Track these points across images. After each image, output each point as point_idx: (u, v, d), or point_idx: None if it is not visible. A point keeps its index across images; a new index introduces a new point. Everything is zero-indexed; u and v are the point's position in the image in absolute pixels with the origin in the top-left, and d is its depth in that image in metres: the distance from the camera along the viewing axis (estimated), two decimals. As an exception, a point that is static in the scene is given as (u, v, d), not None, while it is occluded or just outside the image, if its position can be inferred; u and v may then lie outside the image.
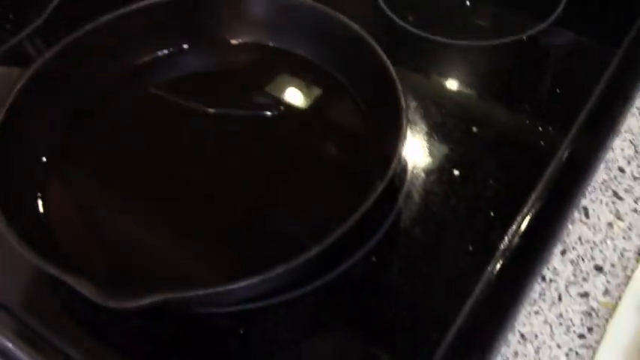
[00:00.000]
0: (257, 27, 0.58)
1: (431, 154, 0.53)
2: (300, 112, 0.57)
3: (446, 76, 0.60)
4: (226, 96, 0.58)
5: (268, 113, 0.56)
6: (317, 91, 0.57)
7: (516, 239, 0.48)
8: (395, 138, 0.46)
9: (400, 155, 0.45)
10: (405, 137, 0.46)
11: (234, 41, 0.59)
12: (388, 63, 0.51)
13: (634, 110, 0.55)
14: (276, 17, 0.57)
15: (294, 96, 0.58)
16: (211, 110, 0.57)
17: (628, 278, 0.46)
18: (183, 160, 0.54)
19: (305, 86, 0.58)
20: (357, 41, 0.54)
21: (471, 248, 0.47)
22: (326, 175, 0.53)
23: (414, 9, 0.64)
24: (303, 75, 0.58)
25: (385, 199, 0.47)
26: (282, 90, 0.57)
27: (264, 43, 0.59)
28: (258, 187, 0.52)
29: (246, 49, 0.59)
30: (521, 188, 0.50)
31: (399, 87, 0.49)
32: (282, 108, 0.56)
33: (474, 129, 0.54)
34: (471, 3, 0.65)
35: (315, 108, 0.57)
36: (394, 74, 0.50)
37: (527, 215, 0.49)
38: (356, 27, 0.54)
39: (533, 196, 0.49)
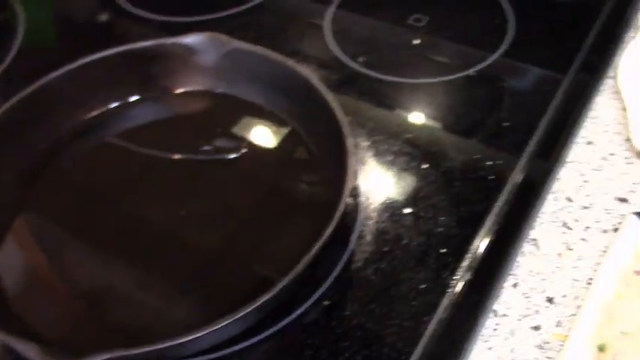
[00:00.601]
0: (207, 75, 0.59)
1: (383, 193, 0.54)
2: (252, 157, 0.57)
3: (398, 115, 0.60)
4: (181, 142, 0.58)
5: (222, 157, 0.57)
6: (269, 136, 0.58)
7: (468, 275, 0.48)
8: (343, 182, 0.47)
9: (346, 200, 0.46)
10: (351, 182, 0.47)
11: (185, 89, 0.60)
12: (336, 106, 0.52)
13: (579, 140, 0.56)
14: (225, 64, 0.58)
15: (246, 141, 0.58)
16: (170, 156, 0.58)
17: (579, 308, 0.46)
18: (141, 208, 0.54)
19: (257, 131, 0.58)
20: (305, 85, 0.54)
21: (423, 287, 0.48)
22: (280, 220, 0.53)
23: (365, 50, 0.66)
24: (256, 120, 0.59)
25: (335, 242, 0.48)
26: (234, 136, 0.58)
27: (215, 91, 0.60)
28: (213, 234, 0.52)
29: (198, 97, 0.60)
30: (472, 223, 0.51)
31: (347, 131, 0.50)
32: (233, 154, 0.57)
33: (425, 165, 0.55)
34: (419, 42, 0.66)
35: (267, 153, 0.57)
36: (342, 118, 0.51)
37: (477, 250, 0.49)
38: (304, 71, 0.55)
39: (483, 231, 0.50)
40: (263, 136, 0.58)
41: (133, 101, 0.59)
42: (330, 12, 0.71)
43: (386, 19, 0.70)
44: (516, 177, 0.53)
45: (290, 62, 0.56)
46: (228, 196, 0.55)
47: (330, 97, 0.52)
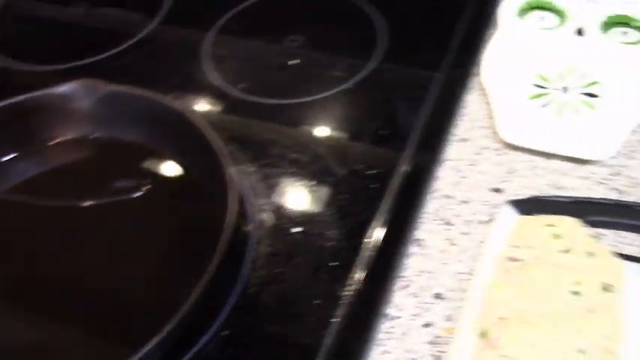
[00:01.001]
0: (85, 121, 0.59)
1: (272, 215, 0.55)
2: (141, 198, 0.57)
3: (281, 136, 0.62)
4: (65, 191, 0.58)
5: (110, 200, 0.57)
6: (154, 175, 0.58)
7: (359, 285, 0.49)
8: (226, 212, 0.48)
9: (230, 230, 0.47)
10: (233, 213, 0.47)
11: (64, 139, 0.60)
12: (213, 137, 0.53)
13: (453, 138, 0.59)
14: (101, 109, 0.58)
15: (134, 182, 0.58)
16: (57, 205, 0.58)
17: (465, 300, 0.48)
18: (36, 261, 0.54)
19: (141, 171, 0.59)
20: (182, 120, 0.55)
21: (317, 302, 0.49)
22: (175, 257, 0.53)
23: (244, 76, 0.67)
24: (139, 160, 0.59)
25: (228, 271, 0.49)
26: (119, 179, 0.58)
27: (94, 136, 0.60)
28: (110, 278, 0.52)
29: (77, 144, 0.60)
30: (359, 233, 0.52)
31: (226, 161, 0.51)
32: (122, 196, 0.57)
33: (311, 183, 0.57)
34: (297, 62, 0.68)
35: (154, 192, 0.57)
36: (221, 148, 0.52)
37: (366, 258, 0.51)
38: (179, 106, 0.56)
39: (370, 238, 0.52)
40: (148, 175, 0.58)
41: (9, 159, 0.59)
42: (207, 41, 0.72)
43: (263, 42, 0.71)
44: (397, 182, 0.55)
45: (165, 99, 0.57)
46: (120, 240, 0.55)
47: (208, 130, 0.53)
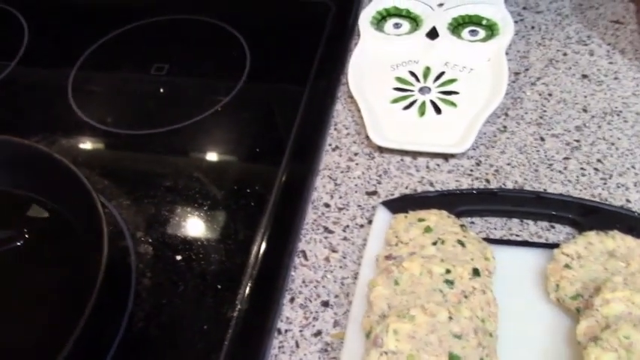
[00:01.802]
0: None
1: (153, 246, 0.54)
2: (15, 249, 0.55)
3: (155, 166, 0.61)
4: None
5: None
6: (26, 220, 0.56)
7: (246, 303, 0.50)
8: (100, 247, 0.47)
9: (105, 267, 0.45)
10: (107, 249, 0.46)
11: None
12: (82, 176, 0.51)
13: (327, 147, 0.61)
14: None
15: (4, 233, 0.56)
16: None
17: (351, 304, 0.49)
18: None
19: (11, 218, 0.56)
20: (48, 162, 0.53)
21: (206, 327, 0.49)
22: (56, 301, 0.51)
23: (112, 109, 0.66)
24: (6, 207, 0.56)
25: (112, 309, 0.47)
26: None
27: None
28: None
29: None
30: (241, 253, 0.52)
31: (98, 198, 0.49)
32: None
33: (188, 208, 0.56)
34: (164, 90, 0.68)
35: (29, 239, 0.55)
36: (90, 186, 0.50)
37: (251, 277, 0.51)
38: (42, 147, 0.54)
39: (253, 257, 0.52)
40: (20, 223, 0.56)
41: None
42: (71, 78, 0.70)
43: (128, 73, 0.71)
44: (275, 197, 0.56)
45: (29, 142, 0.55)
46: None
47: (75, 169, 0.52)
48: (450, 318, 0.42)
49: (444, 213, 0.51)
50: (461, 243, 0.48)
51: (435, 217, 0.50)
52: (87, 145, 0.63)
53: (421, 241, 0.49)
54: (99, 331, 0.47)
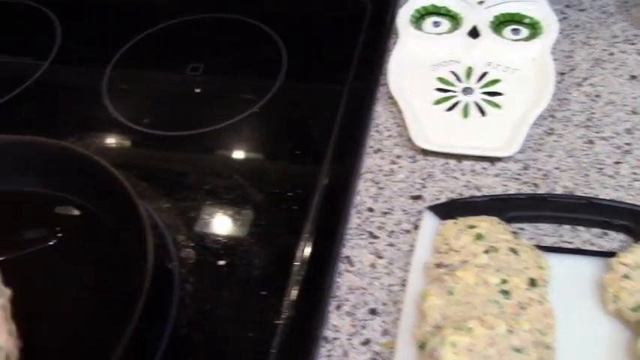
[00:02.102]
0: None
1: (194, 251, 0.53)
2: (55, 250, 0.54)
3: (193, 168, 0.60)
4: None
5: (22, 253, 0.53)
6: (63, 223, 0.55)
7: (292, 310, 0.48)
8: (145, 255, 0.46)
9: (152, 273, 0.44)
10: (153, 254, 0.45)
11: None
12: (122, 178, 0.50)
13: (368, 150, 0.59)
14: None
15: (42, 232, 0.55)
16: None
17: (400, 312, 0.48)
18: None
19: (49, 220, 0.55)
20: (86, 163, 0.53)
21: (252, 335, 0.48)
22: (96, 307, 0.51)
23: (148, 110, 0.65)
24: (44, 209, 0.56)
25: (154, 316, 0.46)
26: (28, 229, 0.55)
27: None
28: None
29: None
30: (285, 258, 0.51)
31: (140, 202, 0.49)
32: (33, 248, 0.53)
33: (229, 212, 0.55)
34: (200, 90, 0.67)
35: (67, 241, 0.54)
36: (131, 189, 0.50)
37: (296, 283, 0.50)
38: (80, 150, 0.53)
39: (298, 262, 0.51)
40: (58, 224, 0.55)
41: None
42: (106, 78, 0.69)
43: (163, 73, 0.69)
44: (318, 201, 0.55)
45: (65, 143, 0.54)
46: (39, 292, 0.51)
47: (115, 170, 0.51)
48: (510, 331, 0.40)
49: (495, 219, 0.49)
50: (514, 251, 0.47)
51: (485, 223, 0.49)
52: (123, 146, 0.62)
53: (473, 248, 0.47)
54: (144, 341, 0.46)
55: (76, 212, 0.56)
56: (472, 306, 0.43)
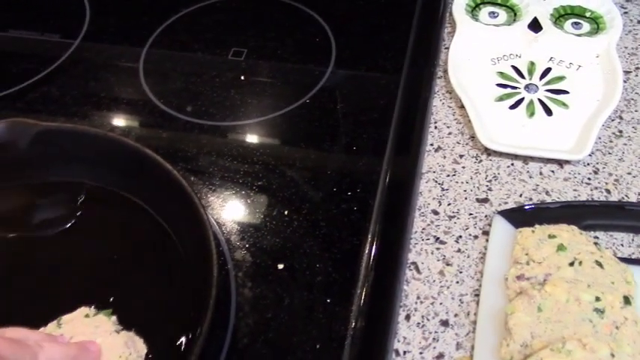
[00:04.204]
0: (19, 167, 0.51)
1: (250, 253, 0.50)
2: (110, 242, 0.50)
3: (242, 162, 0.56)
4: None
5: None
6: (114, 216, 0.51)
7: (360, 321, 0.46)
8: (207, 260, 0.42)
9: (216, 285, 0.41)
10: (216, 260, 0.42)
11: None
12: (178, 175, 0.47)
13: (428, 148, 0.56)
14: (36, 151, 0.50)
15: (100, 224, 0.51)
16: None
17: (473, 324, 0.46)
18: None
19: (107, 214, 0.52)
20: (136, 156, 0.49)
21: (318, 346, 0.45)
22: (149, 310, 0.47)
23: (190, 98, 0.61)
24: (93, 202, 0.52)
25: (213, 327, 0.43)
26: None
27: (34, 182, 0.52)
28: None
29: (17, 193, 0.52)
30: (348, 263, 0.48)
31: (200, 203, 0.45)
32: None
33: (285, 212, 0.52)
34: (244, 77, 0.63)
35: (115, 234, 0.51)
36: (189, 189, 0.46)
37: (363, 291, 0.47)
38: (131, 143, 0.49)
39: (363, 268, 0.48)
40: (106, 218, 0.51)
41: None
42: (142, 59, 0.65)
43: (204, 56, 0.65)
44: (380, 202, 0.52)
45: (112, 134, 0.50)
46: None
47: (168, 166, 0.47)
48: (612, 355, 0.38)
49: (576, 229, 0.47)
50: (599, 264, 0.44)
51: (566, 233, 0.46)
52: (166, 136, 0.58)
53: (556, 261, 0.44)
54: (205, 349, 0.42)
55: (127, 208, 0.51)
56: (564, 325, 0.40)
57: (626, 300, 0.41)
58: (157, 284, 0.47)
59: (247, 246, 0.50)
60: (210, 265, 0.42)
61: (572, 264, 0.44)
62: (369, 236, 0.49)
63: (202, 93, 0.61)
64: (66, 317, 0.43)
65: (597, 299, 0.41)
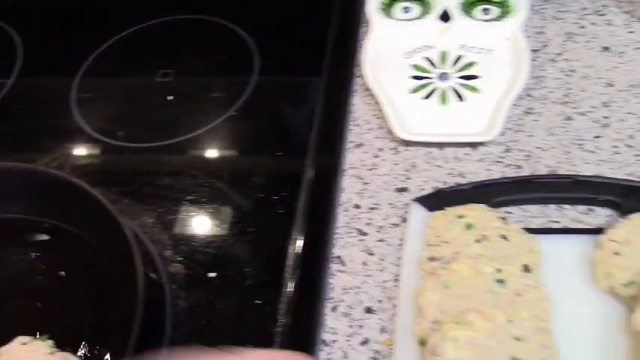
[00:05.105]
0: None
1: (183, 264, 0.52)
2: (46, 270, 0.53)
3: (175, 179, 0.58)
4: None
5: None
6: (46, 246, 0.54)
7: (288, 317, 0.48)
8: (134, 277, 0.45)
9: (144, 294, 0.44)
10: (142, 277, 0.45)
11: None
12: (103, 199, 0.49)
13: (349, 145, 0.59)
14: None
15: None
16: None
17: (395, 308, 0.48)
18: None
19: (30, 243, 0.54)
20: (62, 185, 0.51)
21: (251, 346, 0.47)
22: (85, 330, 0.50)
23: (122, 124, 0.63)
24: (23, 233, 0.54)
25: (149, 336, 0.46)
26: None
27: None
28: None
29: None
30: (277, 264, 0.51)
31: (124, 221, 0.48)
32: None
33: (216, 222, 0.55)
34: (172, 97, 0.65)
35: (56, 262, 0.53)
36: (114, 209, 0.49)
37: (290, 289, 0.49)
38: (57, 172, 0.52)
39: (290, 267, 0.50)
40: (37, 247, 0.54)
41: None
42: (74, 89, 0.67)
43: (133, 81, 0.68)
44: (304, 202, 0.54)
45: (40, 167, 0.53)
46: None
47: (93, 192, 0.50)
48: (509, 321, 0.41)
49: (483, 207, 0.49)
50: (505, 237, 0.47)
51: (474, 212, 0.49)
52: (99, 162, 0.61)
53: (464, 239, 0.47)
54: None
55: (59, 236, 0.54)
56: (469, 298, 0.43)
57: (526, 268, 0.44)
58: (91, 306, 0.50)
59: (180, 259, 0.53)
60: (135, 281, 0.44)
61: (478, 240, 0.47)
62: (295, 235, 0.52)
63: (133, 117, 0.64)
64: (3, 349, 0.45)
65: (498, 270, 0.44)
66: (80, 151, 0.62)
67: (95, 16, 0.75)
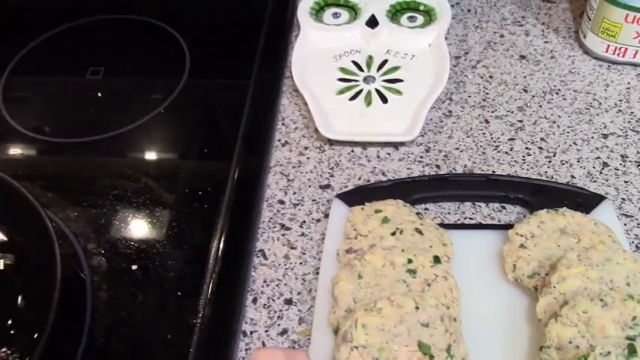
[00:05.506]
0: None
1: (105, 258, 0.52)
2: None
3: (101, 174, 0.58)
4: None
5: None
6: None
7: (209, 309, 0.49)
8: (52, 265, 0.45)
9: (60, 285, 0.44)
10: (59, 265, 0.45)
11: None
12: (24, 192, 0.49)
13: (276, 143, 0.60)
14: None
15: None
16: None
17: (314, 299, 0.49)
18: None
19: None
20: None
21: (170, 336, 0.48)
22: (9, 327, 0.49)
23: (50, 120, 0.63)
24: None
25: (68, 329, 0.46)
26: None
27: None
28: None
29: None
30: (198, 257, 0.52)
31: (45, 213, 0.48)
32: None
33: (139, 216, 0.55)
34: (102, 94, 0.65)
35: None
36: (34, 201, 0.48)
37: (211, 280, 0.50)
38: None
39: (213, 260, 0.51)
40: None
41: None
42: (2, 85, 0.66)
43: (62, 78, 0.68)
44: (229, 198, 0.55)
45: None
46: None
47: (14, 183, 0.50)
48: (417, 307, 0.42)
49: (400, 202, 0.51)
50: (419, 231, 0.49)
51: (391, 207, 0.51)
52: (25, 157, 0.60)
53: (380, 232, 0.49)
54: (58, 352, 0.45)
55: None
56: (381, 287, 0.45)
57: (436, 259, 0.46)
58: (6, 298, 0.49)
59: (103, 252, 0.53)
60: (54, 272, 0.44)
61: (393, 233, 0.49)
62: (218, 230, 0.53)
63: (61, 113, 0.64)
64: None
65: (409, 261, 0.46)
66: (5, 146, 0.61)
67: (22, 14, 0.75)
